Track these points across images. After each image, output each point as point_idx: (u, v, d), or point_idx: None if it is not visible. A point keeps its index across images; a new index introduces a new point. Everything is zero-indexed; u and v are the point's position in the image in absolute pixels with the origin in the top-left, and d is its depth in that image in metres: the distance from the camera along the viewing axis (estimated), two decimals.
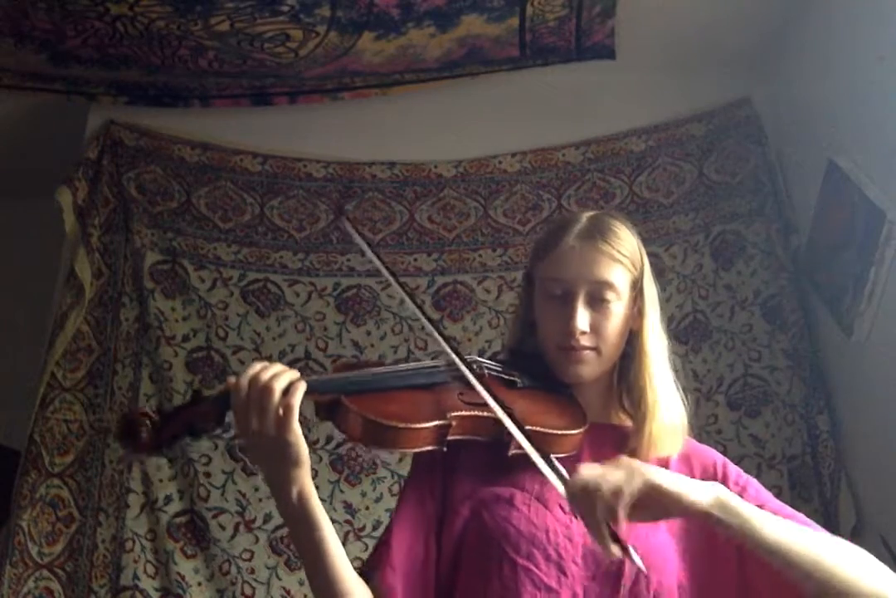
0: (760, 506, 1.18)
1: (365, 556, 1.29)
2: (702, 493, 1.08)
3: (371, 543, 2.48)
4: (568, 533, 1.19)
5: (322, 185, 2.82)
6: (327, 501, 2.51)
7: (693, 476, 1.26)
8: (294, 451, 1.11)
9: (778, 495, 2.57)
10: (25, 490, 2.43)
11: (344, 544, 2.67)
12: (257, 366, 1.14)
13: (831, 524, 2.36)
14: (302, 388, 1.13)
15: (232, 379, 1.14)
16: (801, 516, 1.23)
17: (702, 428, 2.56)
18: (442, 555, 1.22)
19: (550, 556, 1.16)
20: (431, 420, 1.17)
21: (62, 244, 2.71)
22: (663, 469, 1.12)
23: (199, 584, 2.45)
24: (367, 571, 1.20)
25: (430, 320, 1.35)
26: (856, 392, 2.41)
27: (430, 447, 1.18)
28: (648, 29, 2.67)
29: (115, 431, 1.16)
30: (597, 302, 1.28)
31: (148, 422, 1.10)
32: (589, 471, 1.07)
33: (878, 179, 2.26)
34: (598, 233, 1.30)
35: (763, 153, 2.74)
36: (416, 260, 2.77)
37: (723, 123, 2.80)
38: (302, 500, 1.13)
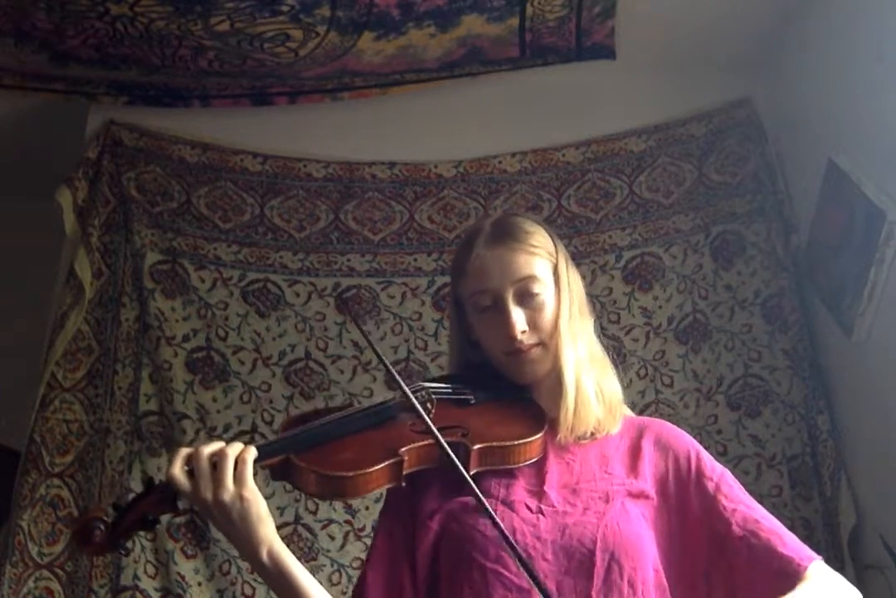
0: (734, 510, 1.22)
1: (364, 556, 1.29)
2: None
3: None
4: (536, 532, 1.19)
5: (322, 185, 2.82)
6: (327, 501, 2.51)
7: (666, 463, 1.28)
8: (255, 508, 1.14)
9: (778, 495, 2.59)
10: (25, 490, 2.43)
11: (344, 544, 2.68)
12: (187, 450, 1.17)
13: (831, 525, 2.37)
14: (252, 449, 1.16)
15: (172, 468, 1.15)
16: (769, 518, 1.25)
17: (702, 428, 2.56)
18: (418, 572, 1.23)
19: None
20: (383, 461, 1.19)
21: (62, 244, 2.71)
22: None
23: (200, 584, 2.45)
24: None
25: (377, 354, 1.36)
26: (856, 392, 2.41)
27: (388, 485, 1.21)
28: (648, 29, 2.67)
29: (71, 535, 1.22)
30: (526, 298, 1.31)
31: (101, 525, 1.14)
32: None
33: (878, 179, 2.26)
34: (504, 234, 1.33)
35: (763, 153, 2.74)
36: (416, 260, 2.77)
37: (723, 123, 2.80)
38: (273, 558, 1.16)
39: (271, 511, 2.70)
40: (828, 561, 2.40)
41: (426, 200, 2.82)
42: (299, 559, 2.56)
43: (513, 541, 1.10)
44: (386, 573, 1.23)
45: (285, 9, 2.36)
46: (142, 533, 2.45)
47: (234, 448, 1.16)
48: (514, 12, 2.52)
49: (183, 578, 2.44)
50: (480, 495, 1.14)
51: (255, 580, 2.46)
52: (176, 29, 2.41)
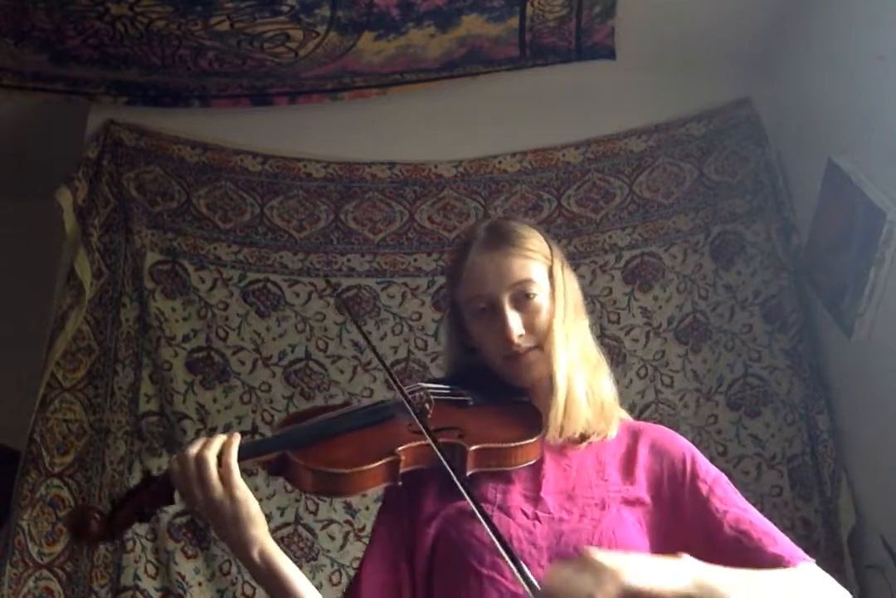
0: (726, 511, 1.21)
1: None
2: (678, 578, 1.05)
3: None
4: (531, 539, 1.19)
5: (322, 185, 2.82)
6: (328, 501, 2.51)
7: (661, 467, 1.28)
8: (245, 508, 1.15)
9: (778, 495, 2.59)
10: (25, 490, 2.43)
11: (344, 544, 2.68)
12: (192, 445, 1.19)
13: (831, 524, 2.37)
14: (235, 442, 1.17)
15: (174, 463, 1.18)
16: (763, 521, 1.23)
17: (702, 428, 2.56)
18: (416, 576, 1.23)
19: None
20: (379, 459, 1.19)
21: (62, 244, 2.71)
22: (631, 559, 1.07)
23: (200, 584, 2.45)
24: None
25: (377, 355, 1.36)
26: (856, 392, 2.41)
27: (384, 484, 1.21)
28: (648, 29, 2.67)
29: (67, 525, 1.23)
30: (522, 301, 1.31)
31: (97, 515, 1.16)
32: (556, 578, 1.02)
33: (878, 179, 2.26)
34: (499, 239, 1.34)
35: (763, 153, 2.74)
36: (416, 260, 2.77)
37: (723, 124, 2.80)
38: (265, 558, 1.17)
39: (271, 511, 2.70)
40: (828, 561, 2.41)
41: (426, 200, 2.82)
42: (300, 559, 2.57)
43: (506, 541, 1.09)
44: (383, 573, 1.24)
45: (285, 9, 2.36)
46: (141, 533, 2.45)
47: (215, 448, 1.16)
48: (514, 12, 2.53)
49: (183, 578, 2.44)
50: (470, 499, 1.13)
51: (255, 581, 2.46)
52: (176, 29, 2.41)
